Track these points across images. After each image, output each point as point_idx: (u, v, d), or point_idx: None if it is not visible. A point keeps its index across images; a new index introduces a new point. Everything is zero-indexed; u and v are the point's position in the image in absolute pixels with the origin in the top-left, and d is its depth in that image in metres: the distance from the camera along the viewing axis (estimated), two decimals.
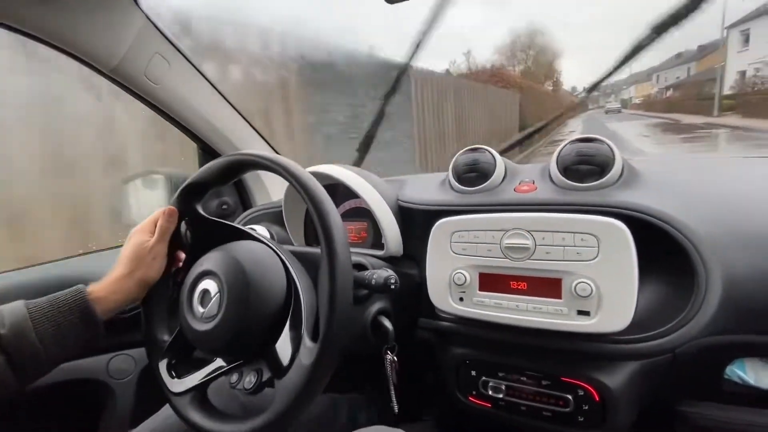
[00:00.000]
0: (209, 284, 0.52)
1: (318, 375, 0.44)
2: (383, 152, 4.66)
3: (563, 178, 0.63)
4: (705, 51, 34.12)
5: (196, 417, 0.51)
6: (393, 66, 4.78)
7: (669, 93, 34.76)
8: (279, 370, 0.47)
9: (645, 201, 0.57)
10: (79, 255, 1.02)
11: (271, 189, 1.15)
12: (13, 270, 0.90)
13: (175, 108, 0.94)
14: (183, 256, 0.62)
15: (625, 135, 14.27)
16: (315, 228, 0.48)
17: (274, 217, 0.89)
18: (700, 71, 32.27)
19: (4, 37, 1.23)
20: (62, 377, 0.82)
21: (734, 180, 0.67)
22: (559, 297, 0.56)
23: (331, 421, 0.72)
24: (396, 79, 1.12)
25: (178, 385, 0.54)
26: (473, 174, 0.71)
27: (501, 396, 0.65)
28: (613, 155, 0.61)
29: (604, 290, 0.53)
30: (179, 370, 0.56)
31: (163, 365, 0.57)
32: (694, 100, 24.29)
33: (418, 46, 0.97)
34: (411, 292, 0.71)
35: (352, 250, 0.68)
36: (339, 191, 0.82)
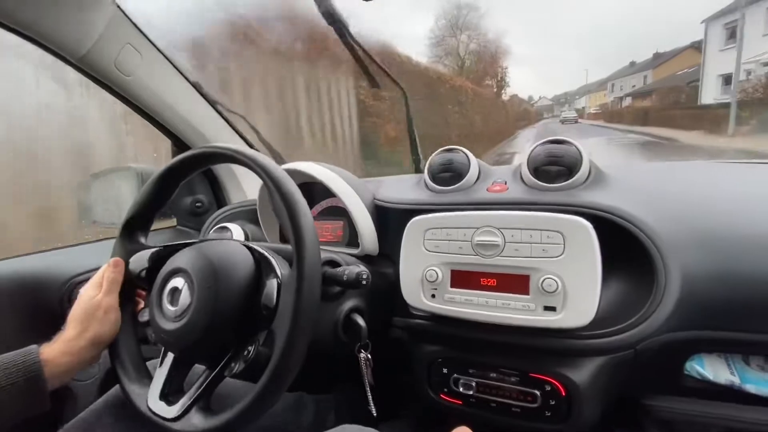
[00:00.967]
0: (178, 281, 0.51)
1: (281, 372, 0.44)
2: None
3: (533, 179, 0.65)
4: (661, 59, 32.39)
5: (203, 421, 0.48)
6: None
7: (628, 101, 32.41)
8: (248, 368, 0.46)
9: (609, 201, 0.59)
10: (54, 249, 0.97)
11: (246, 186, 1.13)
12: None
13: (147, 101, 0.92)
14: (144, 293, 0.61)
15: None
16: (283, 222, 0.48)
17: (249, 215, 0.87)
18: (657, 79, 30.06)
19: None
20: None
21: (696, 183, 0.70)
22: (527, 293, 0.58)
23: (295, 421, 0.71)
24: None
25: (172, 411, 0.50)
26: (448, 174, 0.72)
27: (471, 393, 0.66)
28: (581, 157, 0.64)
29: (569, 286, 0.55)
30: (172, 397, 0.52)
31: (154, 400, 0.52)
32: (674, 109, 18.84)
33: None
34: (386, 291, 0.71)
35: (328, 248, 0.67)
36: (316, 190, 0.82)
